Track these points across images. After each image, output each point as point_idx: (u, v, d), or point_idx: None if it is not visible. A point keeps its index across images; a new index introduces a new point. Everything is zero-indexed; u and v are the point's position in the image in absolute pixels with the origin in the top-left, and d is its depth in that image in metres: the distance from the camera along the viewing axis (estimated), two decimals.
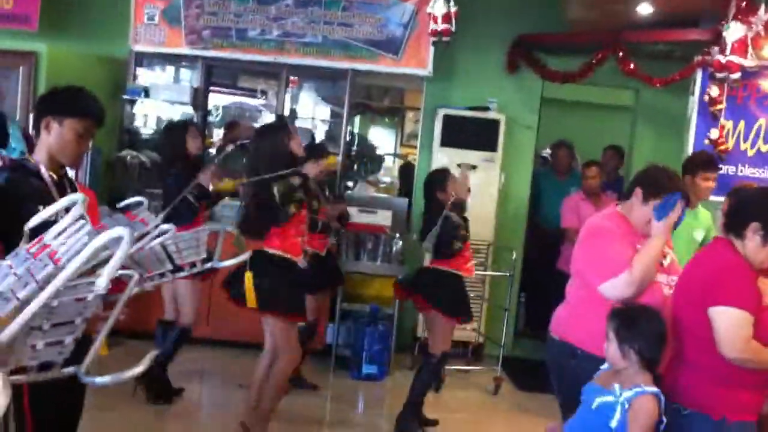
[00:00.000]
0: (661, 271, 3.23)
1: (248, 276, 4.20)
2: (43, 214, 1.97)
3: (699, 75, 6.17)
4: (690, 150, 6.17)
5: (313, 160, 5.28)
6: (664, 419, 2.81)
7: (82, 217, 1.80)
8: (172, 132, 5.35)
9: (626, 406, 2.80)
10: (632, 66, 6.38)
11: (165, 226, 2.76)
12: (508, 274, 6.49)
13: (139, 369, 2.01)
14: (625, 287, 3.14)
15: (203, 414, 5.38)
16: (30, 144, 4.30)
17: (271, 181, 4.21)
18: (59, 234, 1.74)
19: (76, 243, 1.68)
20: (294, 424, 4.92)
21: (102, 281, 1.70)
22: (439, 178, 5.08)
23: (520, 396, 6.14)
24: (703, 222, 4.66)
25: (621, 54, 6.38)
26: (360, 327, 6.24)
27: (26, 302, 1.63)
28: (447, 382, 5.93)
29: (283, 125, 4.61)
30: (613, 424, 2.81)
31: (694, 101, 6.24)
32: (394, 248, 6.48)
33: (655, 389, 2.81)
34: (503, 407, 5.85)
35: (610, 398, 2.85)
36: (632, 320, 2.92)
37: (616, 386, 2.86)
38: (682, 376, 2.95)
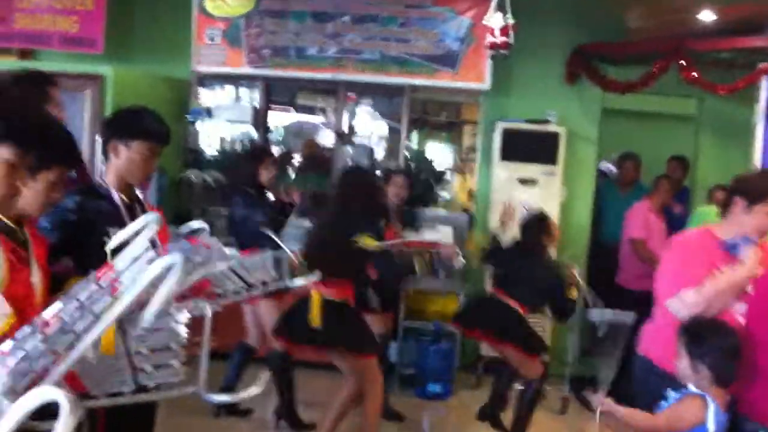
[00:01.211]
0: (744, 299, 3.13)
1: (315, 294, 4.25)
2: (121, 234, 2.01)
3: (764, 82, 6.03)
4: (756, 159, 6.02)
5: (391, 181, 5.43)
6: (708, 428, 2.75)
7: (153, 242, 1.85)
8: (246, 160, 5.37)
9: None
10: (695, 74, 6.26)
11: (228, 251, 2.78)
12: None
13: (256, 389, 2.07)
14: (690, 305, 3.05)
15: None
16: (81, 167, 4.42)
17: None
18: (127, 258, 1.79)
19: (136, 272, 1.72)
20: None
21: (149, 315, 1.74)
22: (545, 225, 5.16)
23: (588, 415, 6.03)
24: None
25: (683, 62, 6.26)
26: (423, 345, 6.21)
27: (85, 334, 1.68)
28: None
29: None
30: None
31: (759, 109, 6.10)
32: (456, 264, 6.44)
33: (700, 391, 2.75)
34: (571, 427, 5.75)
35: (664, 403, 2.83)
36: (703, 334, 2.86)
37: (670, 392, 2.83)
38: (760, 393, 2.87)
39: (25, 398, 1.40)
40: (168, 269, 1.69)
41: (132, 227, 2.01)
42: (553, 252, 6.57)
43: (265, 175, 5.14)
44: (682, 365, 2.86)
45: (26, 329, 1.62)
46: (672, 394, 2.86)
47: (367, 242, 4.24)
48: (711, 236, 3.24)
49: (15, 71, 3.65)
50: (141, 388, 1.98)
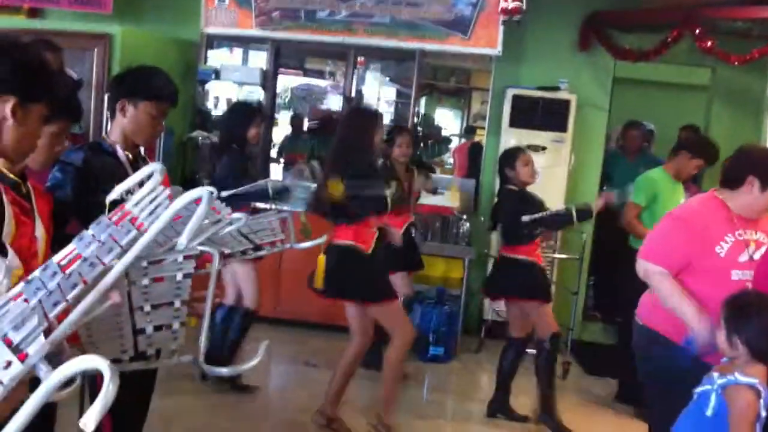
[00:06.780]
0: (746, 267, 3.10)
1: (320, 259, 4.25)
2: (123, 185, 1.99)
3: None
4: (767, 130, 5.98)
5: (395, 142, 5.37)
6: (763, 414, 2.68)
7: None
8: (239, 114, 5.30)
9: (720, 393, 2.71)
10: (709, 43, 6.18)
11: (236, 215, 2.78)
12: (577, 257, 6.39)
13: (256, 361, 2.04)
14: (652, 276, 3.18)
15: (272, 393, 5.44)
16: None
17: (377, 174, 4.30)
18: (139, 202, 1.76)
19: (157, 207, 1.70)
20: (360, 405, 4.93)
21: (183, 238, 1.71)
22: (505, 158, 5.01)
23: (588, 380, 6.07)
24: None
25: (698, 31, 6.18)
26: (427, 308, 6.22)
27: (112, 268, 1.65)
28: None
29: (376, 116, 4.59)
30: (708, 412, 2.73)
31: None
32: (462, 229, 6.45)
33: (751, 380, 2.69)
34: (571, 391, 5.78)
35: (707, 387, 2.78)
36: (743, 309, 2.79)
37: (715, 375, 2.78)
38: None
39: (66, 366, 1.34)
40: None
41: (134, 178, 1.99)
42: None
43: (253, 131, 5.09)
44: (720, 337, 2.82)
45: (43, 272, 1.56)
46: (716, 380, 2.78)
47: (333, 189, 4.22)
48: (719, 203, 3.21)
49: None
50: (138, 355, 1.95)
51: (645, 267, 3.21)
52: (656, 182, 5.31)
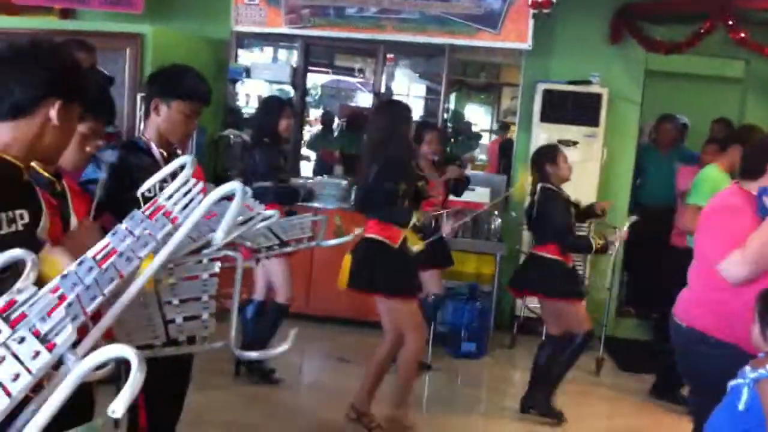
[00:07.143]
0: None
1: (347, 258, 4.26)
2: (155, 178, 2.01)
3: None
4: None
5: (423, 139, 5.33)
6: None
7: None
8: (269, 108, 5.35)
9: (752, 387, 2.67)
10: (743, 35, 6.09)
11: (268, 212, 2.80)
12: (610, 252, 6.32)
13: (285, 347, 2.07)
14: (737, 266, 2.97)
15: (304, 389, 5.46)
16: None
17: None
18: (172, 195, 1.77)
19: (191, 201, 1.71)
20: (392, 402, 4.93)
21: (219, 234, 1.72)
22: (544, 154, 5.00)
23: (622, 376, 6.02)
24: None
25: (731, 23, 6.10)
26: (459, 304, 6.22)
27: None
28: None
29: (407, 109, 4.61)
30: (741, 406, 2.68)
31: None
32: (493, 225, 6.42)
33: None
34: (605, 388, 5.74)
35: (740, 380, 2.73)
36: None
37: (747, 369, 2.73)
38: None
39: (93, 355, 1.36)
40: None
41: (165, 170, 2.00)
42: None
43: (284, 123, 5.13)
44: (755, 332, 2.77)
45: (79, 267, 1.57)
46: (749, 374, 2.74)
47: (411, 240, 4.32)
48: (747, 193, 3.14)
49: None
50: (170, 342, 1.98)
51: (725, 269, 3.03)
52: (716, 180, 5.17)
